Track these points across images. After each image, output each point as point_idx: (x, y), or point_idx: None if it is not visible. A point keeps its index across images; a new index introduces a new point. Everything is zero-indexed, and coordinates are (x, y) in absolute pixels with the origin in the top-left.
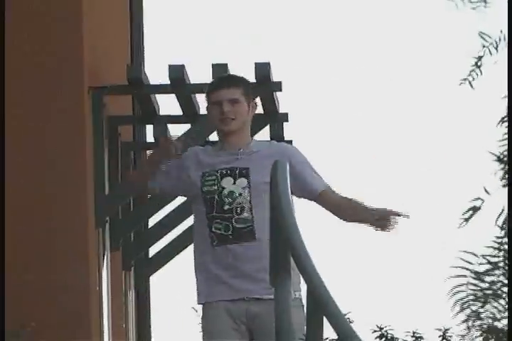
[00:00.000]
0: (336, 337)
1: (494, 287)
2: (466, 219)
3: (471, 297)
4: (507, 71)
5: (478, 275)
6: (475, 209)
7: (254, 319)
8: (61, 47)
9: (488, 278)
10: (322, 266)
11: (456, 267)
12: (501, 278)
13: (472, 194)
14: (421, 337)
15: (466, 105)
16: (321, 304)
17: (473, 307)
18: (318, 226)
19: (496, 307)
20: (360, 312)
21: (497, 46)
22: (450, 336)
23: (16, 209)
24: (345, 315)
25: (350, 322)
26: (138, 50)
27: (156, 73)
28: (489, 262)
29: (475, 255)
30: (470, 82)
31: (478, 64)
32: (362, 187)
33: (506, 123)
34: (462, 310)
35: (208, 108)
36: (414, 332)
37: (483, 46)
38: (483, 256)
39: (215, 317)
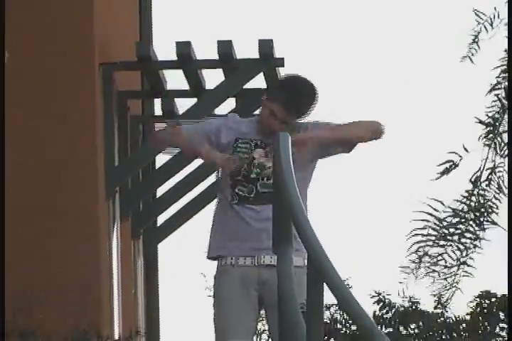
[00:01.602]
0: (335, 302)
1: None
2: (442, 173)
3: (429, 242)
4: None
5: (440, 221)
6: (452, 165)
7: (264, 285)
8: (72, 25)
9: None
10: (322, 233)
11: (421, 211)
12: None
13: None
14: (417, 302)
15: (465, 77)
16: (321, 271)
17: (429, 251)
18: (318, 193)
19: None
20: (359, 279)
21: (492, 23)
22: (446, 301)
23: (32, 179)
24: (345, 280)
25: (350, 287)
26: (146, 27)
27: (163, 49)
28: (454, 211)
29: (442, 204)
30: (470, 58)
31: (476, 40)
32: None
33: (494, 92)
34: (416, 251)
35: (265, 104)
36: (410, 297)
37: (478, 23)
38: (450, 207)
39: (228, 282)
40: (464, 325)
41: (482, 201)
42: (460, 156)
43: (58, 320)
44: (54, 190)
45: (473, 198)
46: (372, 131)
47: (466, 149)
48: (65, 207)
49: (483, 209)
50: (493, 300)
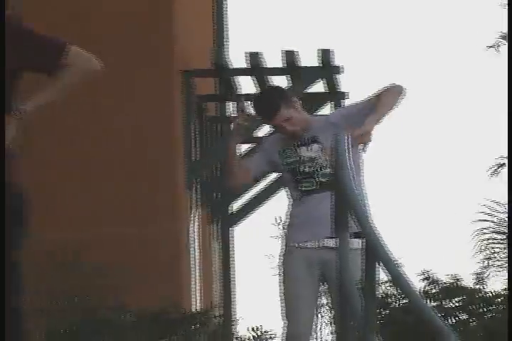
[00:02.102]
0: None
1: None
2: (493, 174)
3: (492, 240)
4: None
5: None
6: (500, 166)
7: (324, 264)
8: (154, 37)
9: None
10: (377, 219)
11: (482, 212)
12: None
13: (496, 153)
14: (460, 279)
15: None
16: (376, 252)
17: (495, 249)
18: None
19: None
20: (409, 259)
21: None
22: (483, 279)
23: (120, 173)
24: (397, 260)
25: (401, 266)
26: (221, 36)
27: (236, 58)
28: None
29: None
30: (495, 48)
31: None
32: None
33: None
34: (482, 251)
35: (272, 126)
36: (454, 275)
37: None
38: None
39: (291, 265)
40: (500, 298)
41: None
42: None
43: (144, 295)
44: (140, 182)
45: None
46: (401, 98)
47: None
48: (150, 197)
49: None
50: None
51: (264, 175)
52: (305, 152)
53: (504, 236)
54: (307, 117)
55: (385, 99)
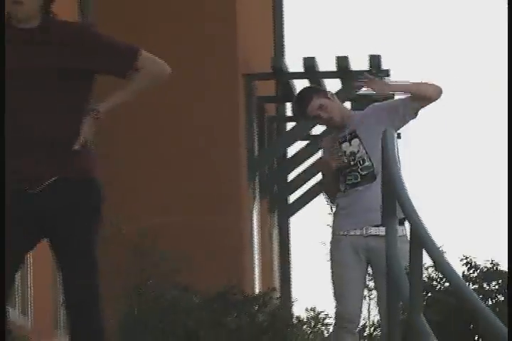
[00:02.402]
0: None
1: None
2: None
3: None
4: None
5: None
6: None
7: (371, 251)
8: (220, 46)
9: None
10: (420, 208)
11: None
12: None
13: None
14: (497, 264)
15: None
16: (421, 240)
17: None
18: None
19: None
20: (450, 246)
21: None
22: None
23: (186, 169)
24: (440, 247)
25: (443, 252)
26: (279, 41)
27: (293, 62)
28: None
29: None
30: None
31: None
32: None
33: None
34: None
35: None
36: (492, 260)
37: None
38: None
39: (340, 251)
40: None
41: None
42: None
43: (211, 278)
44: (208, 176)
45: None
46: (439, 93)
47: None
48: (218, 189)
49: None
50: None
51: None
52: (347, 147)
53: None
54: (346, 109)
55: (423, 89)
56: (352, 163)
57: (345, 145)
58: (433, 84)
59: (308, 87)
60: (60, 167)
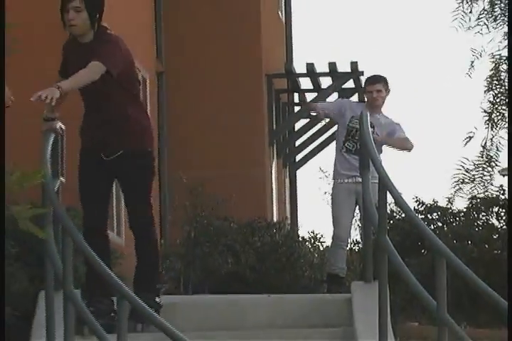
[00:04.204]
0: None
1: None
2: (466, 143)
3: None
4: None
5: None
6: (470, 138)
7: (358, 193)
8: (244, 47)
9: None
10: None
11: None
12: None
13: (469, 128)
14: (437, 201)
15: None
16: (386, 185)
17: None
18: None
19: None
20: (406, 188)
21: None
22: (452, 201)
23: (233, 138)
24: (398, 190)
25: (401, 193)
26: (290, 51)
27: (299, 65)
28: (474, 164)
29: (467, 159)
30: (469, 75)
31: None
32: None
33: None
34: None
35: (365, 93)
36: (433, 199)
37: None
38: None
39: (338, 193)
40: (462, 213)
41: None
42: (474, 133)
43: (243, 211)
44: (241, 143)
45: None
46: (412, 147)
47: (475, 128)
48: (250, 152)
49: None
50: None
51: (329, 117)
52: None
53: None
54: (383, 103)
55: (404, 142)
56: (357, 137)
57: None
58: (410, 143)
59: (380, 75)
60: (126, 142)
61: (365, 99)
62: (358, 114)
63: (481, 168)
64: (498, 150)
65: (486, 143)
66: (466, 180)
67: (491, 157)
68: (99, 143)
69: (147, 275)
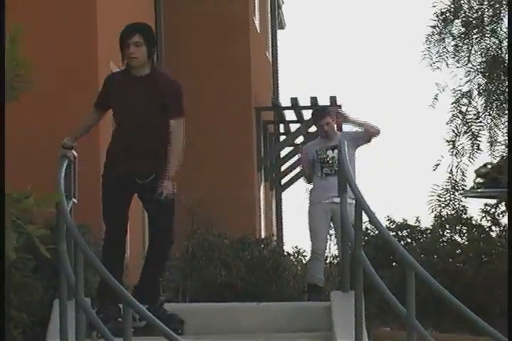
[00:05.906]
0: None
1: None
2: (434, 169)
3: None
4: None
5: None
6: (437, 165)
7: (333, 212)
8: (236, 85)
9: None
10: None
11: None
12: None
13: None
14: (406, 220)
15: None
16: (361, 205)
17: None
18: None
19: None
20: (380, 209)
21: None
22: (419, 220)
23: (225, 162)
24: (373, 210)
25: (375, 213)
26: (276, 87)
27: (284, 99)
28: (443, 189)
29: (438, 185)
30: (433, 106)
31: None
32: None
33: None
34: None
35: (316, 126)
36: (403, 218)
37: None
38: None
39: (316, 212)
40: (429, 230)
41: None
42: (440, 160)
43: (234, 228)
44: (232, 168)
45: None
46: (379, 132)
47: (442, 156)
48: (238, 176)
49: None
50: None
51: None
52: (330, 153)
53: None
54: (335, 129)
55: (369, 125)
56: (330, 161)
57: (329, 152)
58: (374, 126)
59: (324, 108)
60: (156, 168)
61: (319, 132)
62: (318, 147)
63: (448, 193)
64: (463, 175)
65: (451, 169)
66: (443, 205)
67: (457, 182)
68: (133, 166)
69: (154, 287)
